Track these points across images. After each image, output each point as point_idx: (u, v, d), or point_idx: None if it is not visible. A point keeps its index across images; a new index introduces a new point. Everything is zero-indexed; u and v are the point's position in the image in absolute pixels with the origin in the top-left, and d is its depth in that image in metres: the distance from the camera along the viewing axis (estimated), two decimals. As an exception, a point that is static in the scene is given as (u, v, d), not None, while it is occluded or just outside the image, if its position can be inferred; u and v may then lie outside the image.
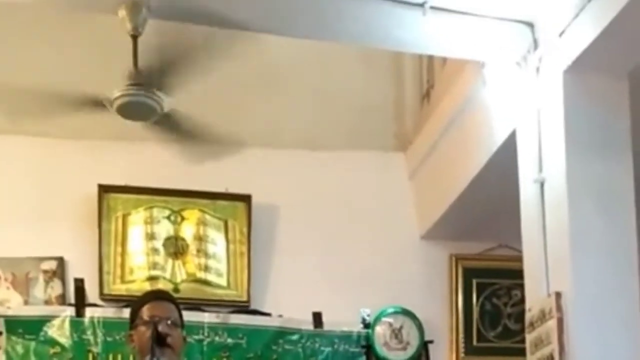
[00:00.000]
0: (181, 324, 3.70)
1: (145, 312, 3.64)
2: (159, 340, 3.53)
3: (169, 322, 3.62)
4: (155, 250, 5.89)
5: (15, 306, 5.67)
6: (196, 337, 5.69)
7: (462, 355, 6.08)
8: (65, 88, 4.59)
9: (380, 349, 5.95)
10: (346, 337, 5.93)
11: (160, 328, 3.57)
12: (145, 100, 4.48)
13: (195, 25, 4.27)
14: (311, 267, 6.02)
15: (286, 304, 5.93)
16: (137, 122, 4.71)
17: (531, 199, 4.31)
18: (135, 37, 4.29)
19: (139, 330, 3.62)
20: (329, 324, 5.91)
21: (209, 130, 4.96)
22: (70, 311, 5.67)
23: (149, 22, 4.21)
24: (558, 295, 3.99)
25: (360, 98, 6.07)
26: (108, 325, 5.65)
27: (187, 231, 5.95)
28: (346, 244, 6.08)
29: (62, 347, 5.61)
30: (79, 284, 5.73)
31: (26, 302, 5.74)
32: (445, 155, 5.62)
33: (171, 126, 4.75)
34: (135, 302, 3.80)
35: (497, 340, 6.10)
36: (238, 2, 4.08)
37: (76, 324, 5.65)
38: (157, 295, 3.85)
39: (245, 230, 5.99)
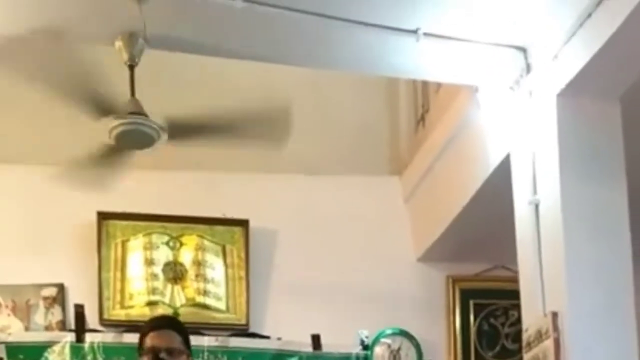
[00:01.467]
0: (187, 348, 3.73)
1: (147, 342, 3.70)
2: None
3: (169, 352, 3.66)
4: (154, 276, 5.92)
5: (16, 332, 5.69)
6: (196, 360, 5.71)
7: (460, 375, 6.12)
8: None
9: (379, 370, 5.98)
10: (345, 358, 5.93)
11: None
12: (143, 129, 4.50)
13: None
14: (309, 290, 6.05)
15: (285, 326, 5.95)
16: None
17: (526, 221, 4.33)
18: (132, 67, 4.33)
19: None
20: (327, 346, 5.91)
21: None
22: (70, 337, 5.68)
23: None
24: (554, 315, 4.01)
25: (355, 122, 6.11)
26: (108, 350, 5.66)
27: (186, 256, 5.99)
28: (343, 267, 6.11)
29: (63, 372, 5.66)
30: (79, 310, 5.74)
31: (27, 329, 5.76)
32: (440, 179, 5.66)
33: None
34: (141, 330, 3.84)
35: (495, 360, 6.14)
36: (232, 31, 4.10)
37: (76, 350, 5.66)
38: (156, 325, 3.86)
39: (243, 254, 6.03)
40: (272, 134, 4.70)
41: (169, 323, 3.88)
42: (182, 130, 4.55)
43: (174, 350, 3.69)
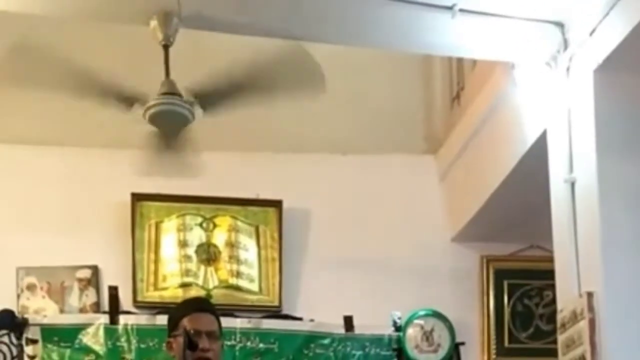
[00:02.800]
0: (220, 332, 3.73)
1: (187, 324, 3.66)
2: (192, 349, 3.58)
3: (210, 335, 3.66)
4: (187, 257, 5.95)
5: (51, 315, 5.74)
6: (228, 342, 5.71)
7: (493, 356, 6.06)
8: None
9: (412, 352, 5.96)
10: (377, 340, 5.95)
11: (201, 345, 3.60)
12: (177, 109, 4.50)
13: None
14: (342, 271, 6.04)
15: (317, 308, 5.96)
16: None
17: (562, 200, 4.30)
18: (166, 47, 4.32)
19: (179, 340, 3.64)
20: (360, 327, 5.93)
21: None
22: (104, 319, 5.74)
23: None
24: (590, 295, 3.98)
25: (390, 101, 6.10)
26: (142, 332, 5.71)
27: (219, 238, 6.00)
28: (377, 247, 6.09)
29: (97, 354, 5.68)
30: (113, 292, 5.79)
31: (61, 311, 5.80)
32: (475, 157, 5.62)
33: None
34: (175, 310, 3.83)
35: (529, 341, 6.09)
36: (267, 10, 4.09)
37: (110, 332, 5.71)
38: (198, 307, 3.84)
39: (276, 235, 6.03)
40: (304, 82, 4.61)
41: (208, 307, 3.86)
42: (214, 99, 4.51)
43: (214, 334, 3.69)
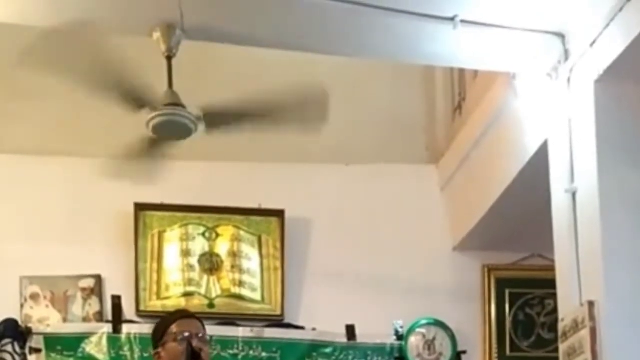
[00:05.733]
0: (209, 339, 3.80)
1: (176, 328, 3.74)
2: (194, 355, 3.61)
3: (200, 337, 3.70)
4: (190, 267, 5.96)
5: (54, 324, 5.75)
6: (231, 351, 5.76)
7: (495, 365, 6.11)
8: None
9: (414, 360, 5.98)
10: (379, 349, 5.96)
11: (194, 343, 3.66)
12: (180, 119, 4.52)
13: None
14: (344, 280, 6.05)
15: (320, 317, 5.97)
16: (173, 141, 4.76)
17: (563, 209, 4.31)
18: (169, 58, 4.35)
19: (168, 346, 3.71)
20: (362, 336, 5.94)
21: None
22: (107, 328, 5.76)
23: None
24: (591, 304, 3.98)
25: (392, 111, 6.12)
26: (145, 341, 5.67)
27: (222, 247, 6.02)
28: (379, 256, 6.10)
29: (100, 363, 5.70)
30: (116, 301, 5.81)
31: (65, 320, 5.81)
32: (477, 167, 5.64)
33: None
34: (160, 322, 3.90)
35: (531, 350, 6.10)
36: (270, 21, 4.12)
37: (113, 341, 5.73)
38: (184, 314, 3.95)
39: (278, 245, 6.05)
40: (309, 119, 4.67)
41: (193, 315, 3.96)
42: (219, 120, 4.55)
43: (204, 337, 3.75)
